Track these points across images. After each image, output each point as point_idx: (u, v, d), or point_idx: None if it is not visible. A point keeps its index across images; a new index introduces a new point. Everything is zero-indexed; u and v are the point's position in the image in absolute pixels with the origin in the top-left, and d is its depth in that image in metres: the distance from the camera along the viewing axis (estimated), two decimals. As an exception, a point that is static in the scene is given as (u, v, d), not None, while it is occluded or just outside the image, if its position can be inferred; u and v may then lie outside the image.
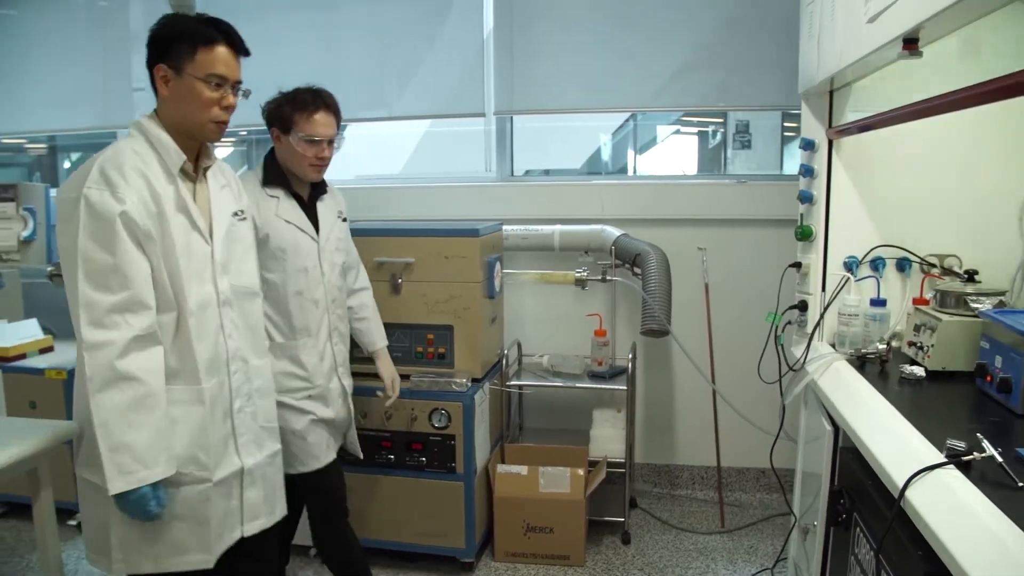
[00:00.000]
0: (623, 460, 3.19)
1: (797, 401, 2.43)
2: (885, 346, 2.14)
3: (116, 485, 1.61)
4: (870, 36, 1.77)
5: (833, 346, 2.29)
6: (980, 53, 2.20)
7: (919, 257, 2.50)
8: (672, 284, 3.20)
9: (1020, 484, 1.34)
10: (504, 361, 3.19)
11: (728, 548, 3.15)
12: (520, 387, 3.35)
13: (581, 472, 2.97)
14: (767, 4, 3.29)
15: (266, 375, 2.00)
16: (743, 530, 3.31)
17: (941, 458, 1.47)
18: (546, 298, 3.63)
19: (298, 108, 2.26)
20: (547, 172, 3.97)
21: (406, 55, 3.60)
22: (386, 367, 2.63)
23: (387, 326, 2.70)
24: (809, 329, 2.43)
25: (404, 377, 2.76)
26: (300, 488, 2.37)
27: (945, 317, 2.11)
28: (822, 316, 2.37)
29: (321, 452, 2.36)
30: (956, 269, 2.41)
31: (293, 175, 2.34)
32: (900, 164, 2.47)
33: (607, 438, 3.26)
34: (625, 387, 3.14)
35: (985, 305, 2.08)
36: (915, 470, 1.40)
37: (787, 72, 2.88)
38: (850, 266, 2.37)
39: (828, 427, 2.04)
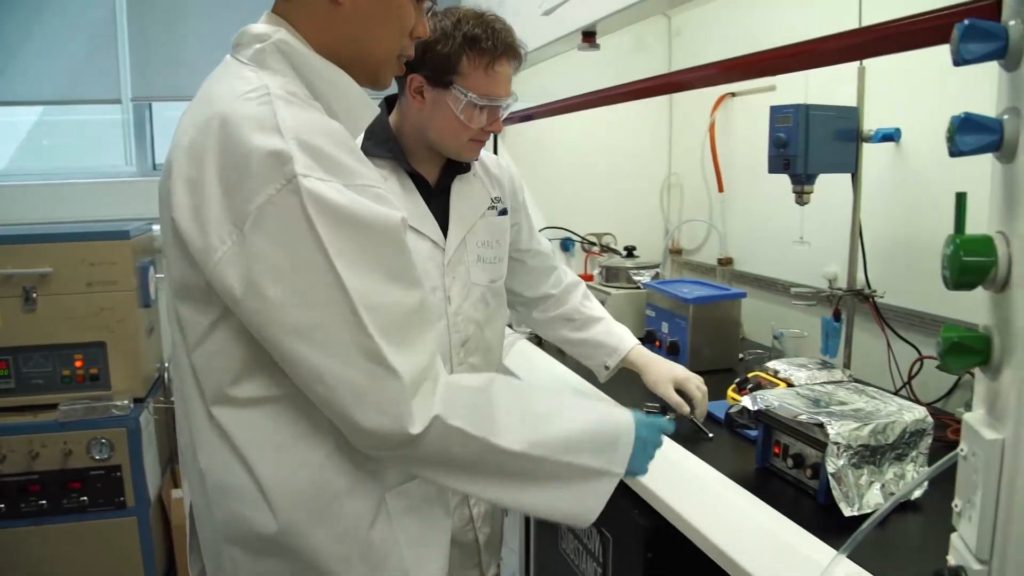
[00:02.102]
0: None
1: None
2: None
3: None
4: (548, 28, 1.87)
5: (510, 326, 2.42)
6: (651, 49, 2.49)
7: (580, 236, 2.75)
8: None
9: (711, 436, 1.53)
10: (166, 375, 2.88)
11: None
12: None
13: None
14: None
15: None
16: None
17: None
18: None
19: (472, 51, 1.41)
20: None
21: (8, 30, 3.02)
22: (668, 370, 1.63)
23: (21, 350, 2.27)
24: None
25: (51, 407, 2.34)
26: None
27: (613, 291, 2.34)
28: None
29: None
30: (613, 246, 2.70)
31: (424, 145, 1.51)
32: (560, 151, 2.71)
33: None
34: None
35: (645, 277, 2.37)
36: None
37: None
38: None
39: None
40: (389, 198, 0.91)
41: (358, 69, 1.01)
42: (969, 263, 0.68)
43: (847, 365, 1.74)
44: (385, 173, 1.46)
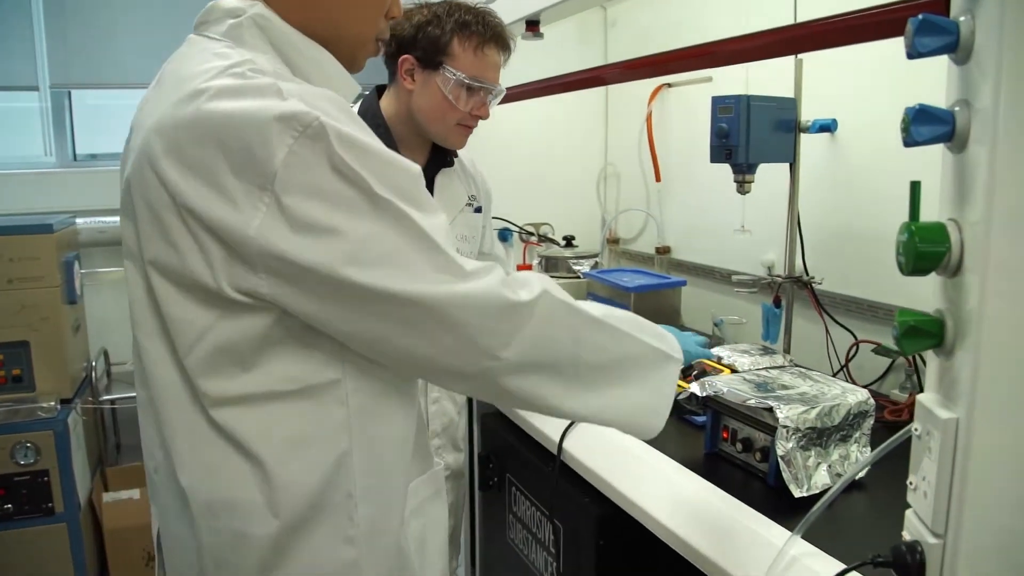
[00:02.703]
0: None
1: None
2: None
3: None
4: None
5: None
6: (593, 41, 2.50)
7: (518, 226, 2.76)
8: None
9: (679, 417, 1.54)
10: (93, 374, 2.77)
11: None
12: (113, 401, 2.94)
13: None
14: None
15: None
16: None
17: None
18: (135, 298, 3.23)
19: (462, 32, 1.46)
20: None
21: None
22: None
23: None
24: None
25: (-29, 411, 2.23)
26: None
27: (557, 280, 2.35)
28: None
29: None
30: (551, 236, 2.71)
31: (413, 132, 1.54)
32: (495, 140, 2.71)
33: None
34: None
35: (585, 267, 2.38)
36: (565, 426, 1.56)
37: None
38: (458, 239, 2.54)
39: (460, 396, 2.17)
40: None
41: (335, 49, 0.97)
42: (925, 250, 0.70)
43: (787, 350, 1.78)
44: None
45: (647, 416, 1.05)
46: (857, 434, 1.27)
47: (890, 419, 1.51)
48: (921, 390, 1.58)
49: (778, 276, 1.79)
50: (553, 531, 1.63)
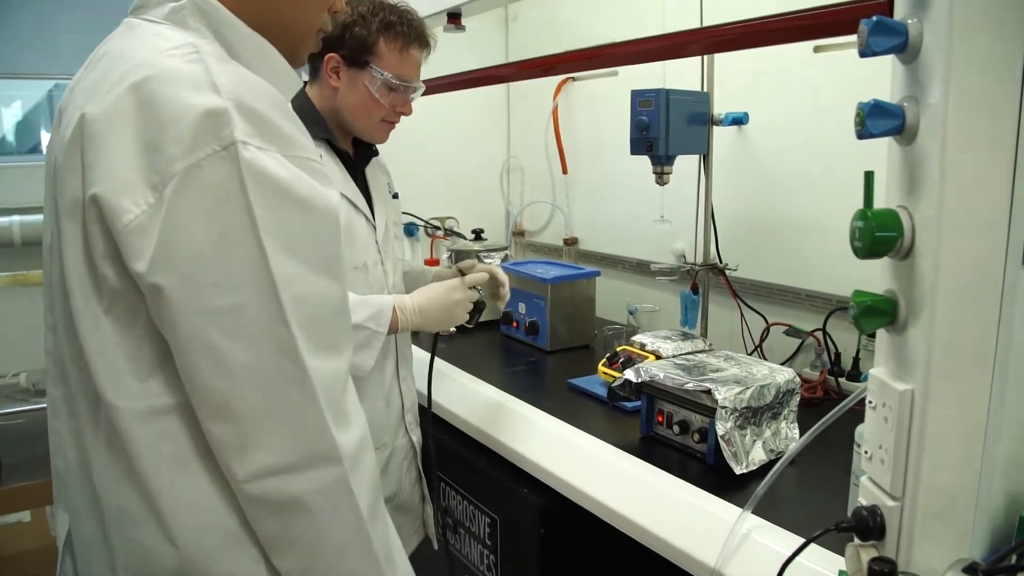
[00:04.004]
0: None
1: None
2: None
3: None
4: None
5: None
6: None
7: (424, 220, 2.75)
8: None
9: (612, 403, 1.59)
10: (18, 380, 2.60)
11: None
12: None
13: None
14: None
15: None
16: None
17: (510, 398, 1.70)
18: (14, 303, 3.02)
19: (387, 33, 1.48)
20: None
21: None
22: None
23: None
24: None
25: None
26: None
27: (470, 275, 2.35)
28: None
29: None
30: (457, 230, 2.72)
31: (337, 127, 1.54)
32: (397, 134, 2.68)
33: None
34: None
35: (495, 260, 2.40)
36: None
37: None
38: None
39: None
40: (327, 175, 0.85)
41: (277, 42, 0.92)
42: (881, 236, 0.75)
43: (704, 335, 1.86)
44: (321, 151, 1.45)
45: None
46: (785, 411, 1.35)
47: (806, 396, 1.60)
48: (833, 368, 1.69)
49: (694, 264, 1.86)
50: (489, 524, 1.64)
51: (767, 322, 1.85)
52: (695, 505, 1.18)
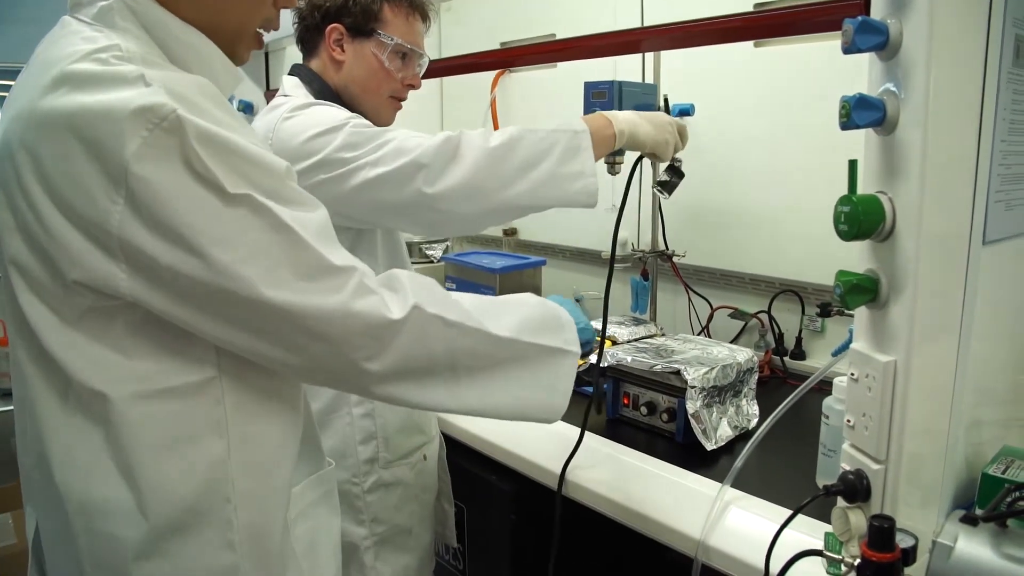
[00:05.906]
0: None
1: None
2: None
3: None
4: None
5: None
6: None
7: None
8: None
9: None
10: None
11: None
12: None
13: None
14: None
15: None
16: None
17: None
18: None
19: (392, 1, 1.43)
20: None
21: None
22: None
23: None
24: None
25: None
26: None
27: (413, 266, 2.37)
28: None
29: None
30: (399, 223, 2.71)
31: (347, 107, 1.41)
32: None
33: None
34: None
35: (437, 252, 2.42)
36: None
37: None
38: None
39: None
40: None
41: (216, 38, 0.92)
42: (867, 219, 0.81)
43: (653, 319, 1.93)
44: None
45: (539, 411, 1.07)
46: (745, 388, 1.42)
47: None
48: (777, 348, 1.78)
49: (643, 251, 1.93)
50: (456, 513, 1.66)
51: (712, 306, 1.93)
52: (674, 481, 1.23)
